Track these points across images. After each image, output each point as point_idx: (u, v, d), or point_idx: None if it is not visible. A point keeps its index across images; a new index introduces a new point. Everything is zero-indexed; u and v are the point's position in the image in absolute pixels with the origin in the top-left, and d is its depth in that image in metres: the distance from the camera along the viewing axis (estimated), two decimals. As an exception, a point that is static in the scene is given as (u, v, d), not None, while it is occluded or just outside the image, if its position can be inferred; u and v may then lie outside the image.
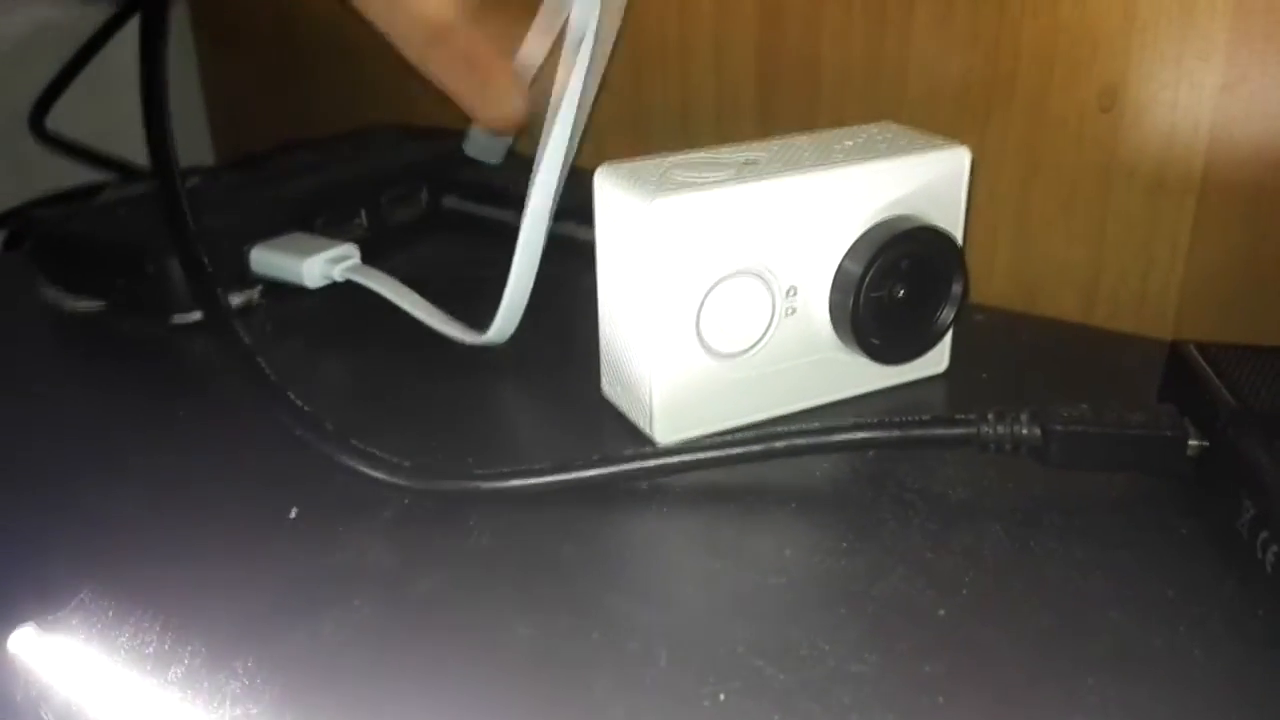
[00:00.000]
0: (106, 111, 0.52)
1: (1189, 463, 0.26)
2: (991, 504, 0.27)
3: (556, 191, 0.33)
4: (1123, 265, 0.39)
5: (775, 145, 0.31)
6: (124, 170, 0.57)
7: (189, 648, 0.23)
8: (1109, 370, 0.34)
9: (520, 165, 0.50)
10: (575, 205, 0.32)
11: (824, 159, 0.30)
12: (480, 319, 0.34)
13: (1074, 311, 0.40)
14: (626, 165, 0.29)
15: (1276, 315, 0.37)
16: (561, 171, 0.33)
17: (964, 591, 0.24)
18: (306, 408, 0.29)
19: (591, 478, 0.28)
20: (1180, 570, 0.25)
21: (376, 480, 0.28)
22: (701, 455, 0.28)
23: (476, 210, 0.45)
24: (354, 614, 0.24)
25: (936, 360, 0.33)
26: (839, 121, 0.43)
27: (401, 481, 0.28)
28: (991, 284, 0.42)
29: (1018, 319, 0.38)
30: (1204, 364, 0.27)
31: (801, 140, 0.31)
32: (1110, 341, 0.37)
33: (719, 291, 0.29)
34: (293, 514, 0.28)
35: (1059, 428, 0.26)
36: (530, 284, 0.34)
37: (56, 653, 0.23)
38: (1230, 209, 0.37)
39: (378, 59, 0.38)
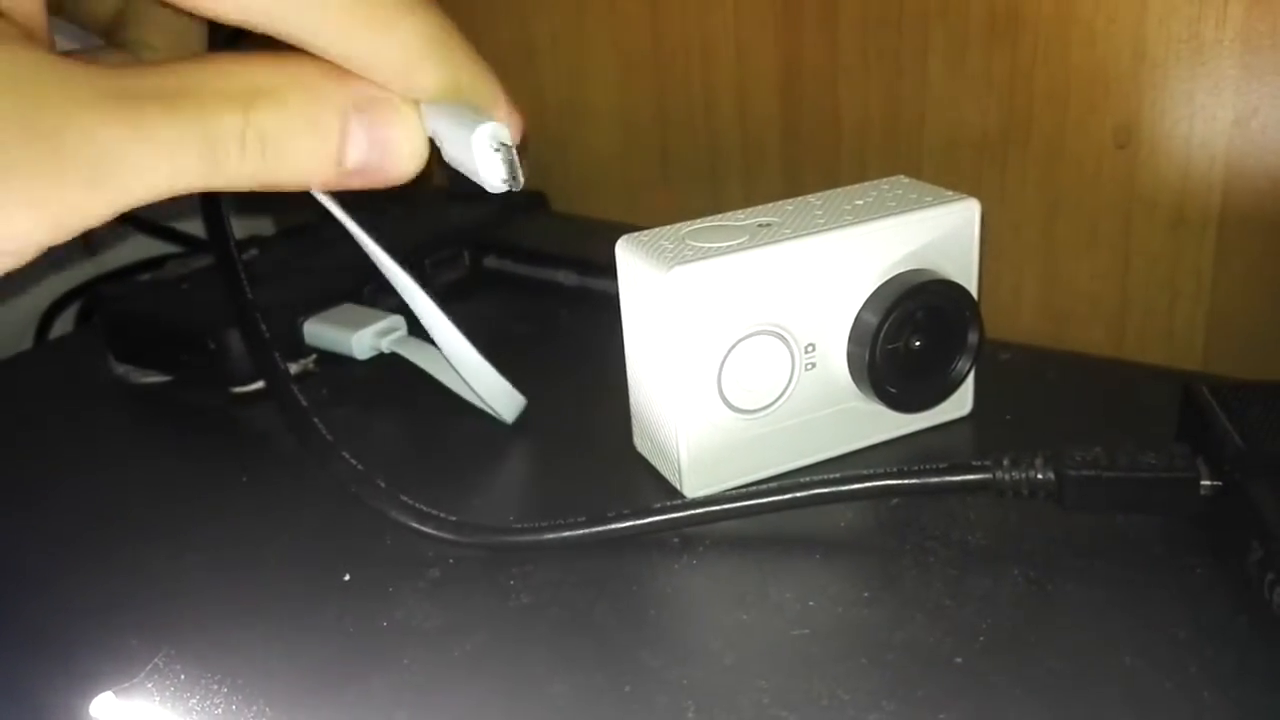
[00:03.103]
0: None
1: (1203, 502, 0.27)
2: (1010, 548, 0.28)
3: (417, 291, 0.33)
4: (1149, 298, 0.40)
5: (790, 206, 0.32)
6: (181, 240, 0.59)
7: (253, 707, 0.25)
8: (1134, 407, 0.35)
9: (555, 226, 0.52)
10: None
11: (836, 219, 0.31)
12: (519, 374, 0.36)
13: (1103, 345, 0.41)
14: (646, 235, 0.31)
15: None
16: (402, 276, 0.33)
17: (981, 639, 0.25)
18: (360, 466, 0.31)
19: (623, 530, 0.29)
20: (1193, 611, 0.25)
21: (424, 534, 0.30)
22: (728, 507, 0.29)
23: (515, 269, 0.47)
24: (403, 672, 0.26)
25: (960, 403, 0.34)
26: (861, 167, 0.44)
27: (447, 535, 0.30)
28: (1020, 320, 0.42)
29: (1045, 356, 0.39)
30: (1215, 405, 0.28)
31: (815, 200, 0.33)
32: (1137, 376, 0.37)
33: (739, 351, 0.30)
34: (346, 578, 0.30)
35: (1072, 472, 0.27)
36: (484, 366, 0.34)
37: (134, 717, 0.25)
38: (1251, 239, 0.37)
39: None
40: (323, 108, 0.21)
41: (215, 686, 0.26)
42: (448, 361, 0.36)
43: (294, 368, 0.41)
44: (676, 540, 0.30)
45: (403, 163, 0.23)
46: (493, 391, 0.35)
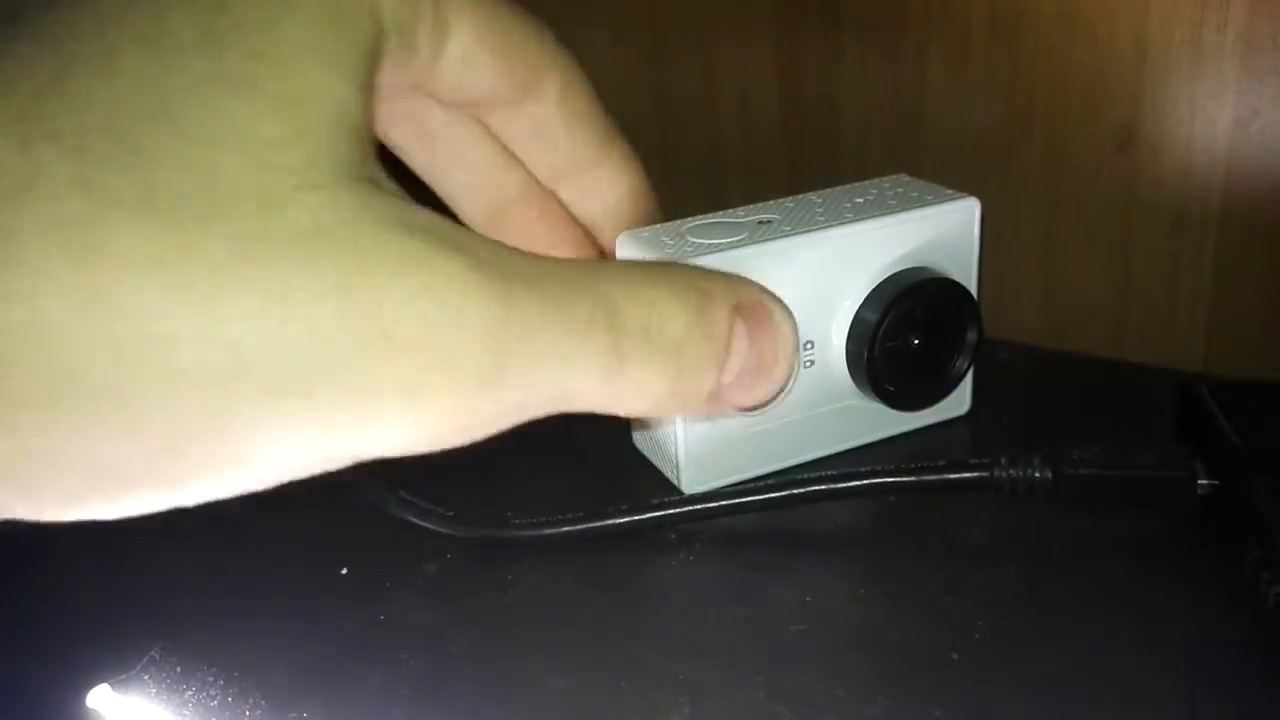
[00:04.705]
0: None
1: (1200, 502, 0.27)
2: (1007, 546, 0.28)
3: None
4: (1149, 299, 0.40)
5: (790, 204, 0.32)
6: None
7: (249, 700, 0.25)
8: (1132, 407, 0.35)
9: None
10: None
11: (836, 216, 0.31)
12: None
13: (1103, 345, 0.41)
14: (646, 231, 0.31)
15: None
16: None
17: (977, 636, 0.25)
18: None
19: (621, 526, 0.29)
20: (1189, 609, 0.25)
21: (422, 529, 0.30)
22: (725, 503, 0.29)
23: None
24: (400, 668, 0.26)
25: (958, 403, 0.34)
26: (862, 166, 0.44)
27: (445, 530, 0.30)
28: (1019, 321, 0.42)
29: (1044, 356, 0.39)
30: (1213, 404, 0.28)
31: (816, 198, 0.33)
32: (1135, 377, 0.37)
33: (738, 348, 0.30)
34: (343, 572, 0.30)
35: (1070, 471, 0.27)
36: None
37: (130, 708, 0.26)
38: (1251, 240, 0.37)
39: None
40: (715, 307, 0.18)
41: (211, 679, 0.26)
42: None
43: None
44: (674, 536, 0.30)
45: (774, 382, 0.19)
46: None
